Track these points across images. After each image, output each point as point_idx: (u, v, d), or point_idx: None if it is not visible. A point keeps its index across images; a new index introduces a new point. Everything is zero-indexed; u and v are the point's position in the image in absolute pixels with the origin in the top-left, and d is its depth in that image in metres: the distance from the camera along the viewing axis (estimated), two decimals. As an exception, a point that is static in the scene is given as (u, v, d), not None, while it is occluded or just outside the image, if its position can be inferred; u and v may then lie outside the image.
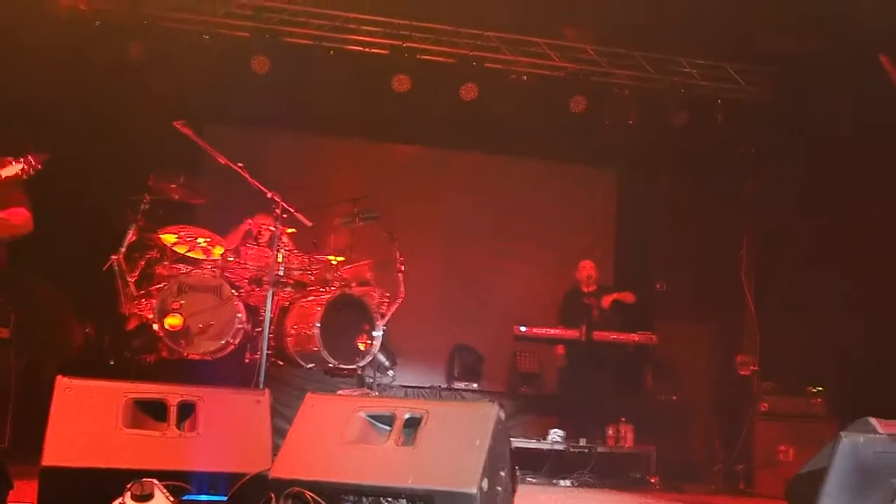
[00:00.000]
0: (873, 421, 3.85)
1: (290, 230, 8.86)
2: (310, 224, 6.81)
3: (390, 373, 9.89)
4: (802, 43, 9.77)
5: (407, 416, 4.15)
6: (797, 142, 9.94)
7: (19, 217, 5.95)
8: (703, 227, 11.02)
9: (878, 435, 3.78)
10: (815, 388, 9.34)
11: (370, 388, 8.51)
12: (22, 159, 5.74)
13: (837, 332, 9.23)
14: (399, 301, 9.23)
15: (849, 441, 3.66)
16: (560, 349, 10.10)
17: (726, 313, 10.69)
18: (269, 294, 7.33)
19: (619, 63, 10.58)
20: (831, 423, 8.93)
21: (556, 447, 9.31)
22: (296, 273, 9.04)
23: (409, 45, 10.27)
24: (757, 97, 10.68)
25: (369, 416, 4.22)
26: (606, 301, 10.00)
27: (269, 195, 6.47)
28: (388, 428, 4.15)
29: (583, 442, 9.39)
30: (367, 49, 10.32)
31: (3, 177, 5.67)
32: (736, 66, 10.63)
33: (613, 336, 9.68)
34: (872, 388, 8.75)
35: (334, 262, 9.29)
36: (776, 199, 10.32)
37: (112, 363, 9.12)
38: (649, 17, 9.76)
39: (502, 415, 4.14)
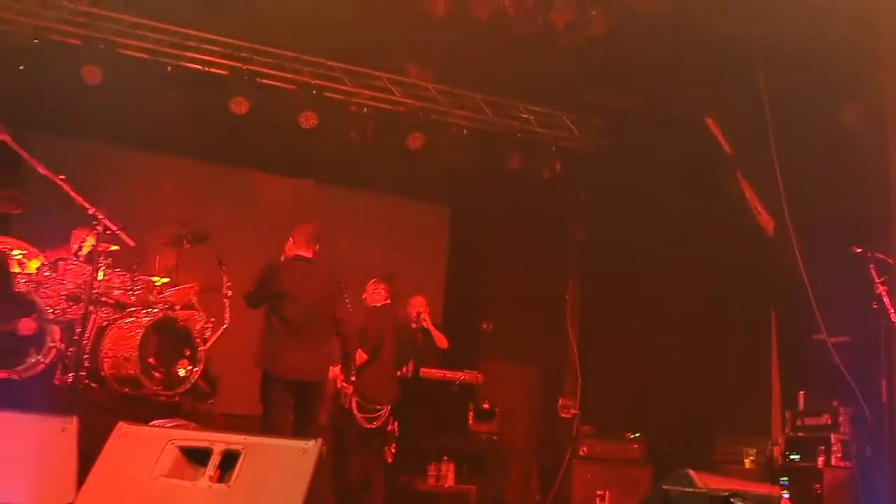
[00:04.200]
0: (692, 473, 3.92)
1: (112, 247, 8.54)
2: (132, 244, 6.56)
3: (210, 401, 9.60)
4: (624, 98, 10.09)
5: (224, 451, 4.00)
6: (624, 191, 10.23)
7: None
8: (532, 269, 11.20)
9: (697, 489, 3.85)
10: (632, 433, 9.56)
11: (187, 417, 8.20)
12: None
13: (655, 380, 9.54)
14: (224, 326, 9.01)
15: (670, 492, 3.73)
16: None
17: (550, 356, 10.89)
18: (85, 313, 7.02)
19: (459, 103, 10.70)
20: (647, 469, 9.17)
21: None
22: (116, 293, 8.71)
23: (249, 67, 10.11)
24: (588, 146, 10.95)
25: (184, 450, 4.06)
26: (438, 340, 9.88)
27: (90, 211, 6.20)
28: (203, 464, 3.99)
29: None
30: (205, 68, 10.10)
31: None
32: (569, 115, 10.90)
33: (439, 374, 9.69)
34: (687, 435, 9.06)
35: (158, 284, 9.00)
36: (602, 246, 10.60)
37: None
38: (489, 60, 9.88)
39: (323, 451, 4.04)
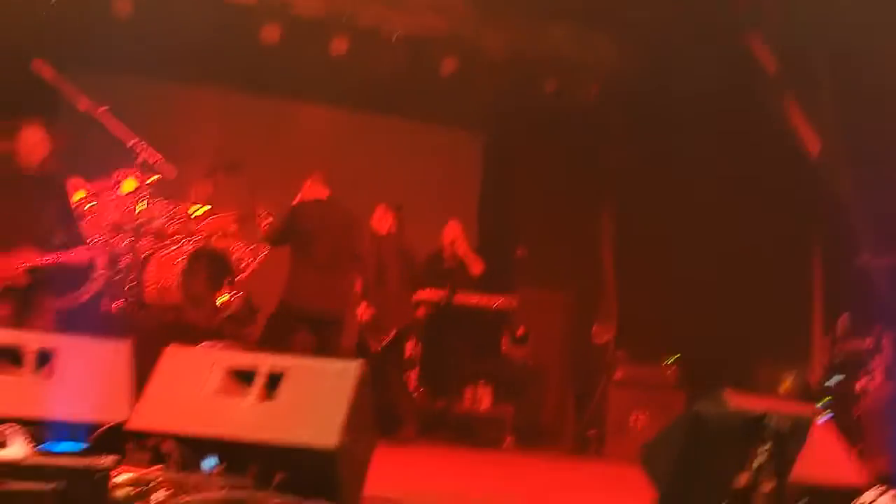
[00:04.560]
0: (725, 394, 3.96)
1: (152, 178, 8.67)
2: (172, 174, 6.68)
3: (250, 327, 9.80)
4: (665, 12, 9.96)
5: (269, 371, 4.15)
6: (662, 112, 10.17)
7: None
8: (567, 193, 11.18)
9: (729, 407, 3.91)
10: (668, 357, 9.62)
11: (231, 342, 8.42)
12: None
13: (692, 304, 9.54)
14: (262, 255, 9.16)
15: (702, 412, 3.81)
16: (421, 310, 10.17)
17: (585, 281, 10.91)
18: (129, 243, 7.18)
19: (493, 26, 10.60)
20: (683, 393, 9.24)
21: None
22: (157, 222, 8.87)
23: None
24: (626, 69, 10.84)
25: (231, 370, 4.21)
26: (472, 266, 10.00)
27: (131, 142, 6.31)
28: (249, 383, 4.14)
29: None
30: (235, -1, 10.10)
31: None
32: (607, 37, 10.76)
33: (474, 299, 9.82)
34: (724, 360, 9.08)
35: (197, 213, 9.15)
36: (640, 169, 10.54)
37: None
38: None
39: (364, 372, 4.18)
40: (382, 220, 9.46)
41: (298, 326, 8.38)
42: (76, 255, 6.40)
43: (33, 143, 6.36)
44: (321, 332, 8.31)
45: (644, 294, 10.14)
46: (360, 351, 9.03)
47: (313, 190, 8.54)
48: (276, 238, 8.46)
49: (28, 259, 6.19)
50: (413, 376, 9.91)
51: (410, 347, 9.79)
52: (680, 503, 3.73)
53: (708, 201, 9.67)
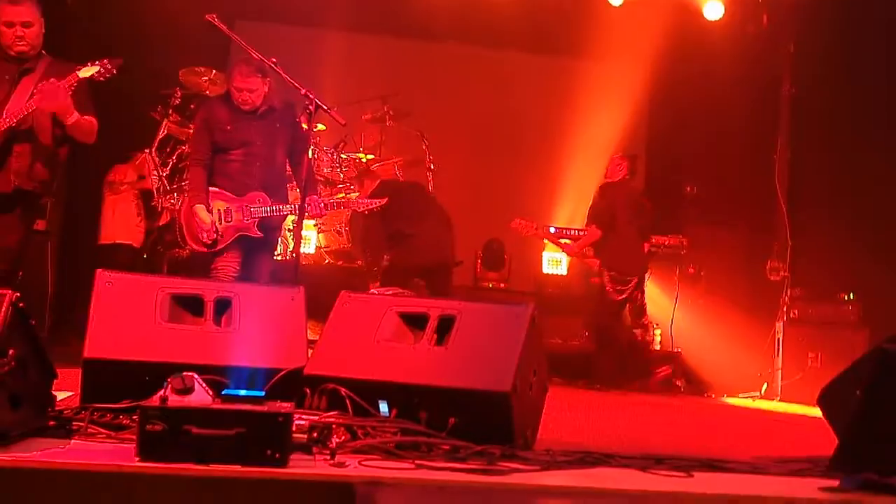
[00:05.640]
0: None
1: (319, 126, 8.83)
2: (343, 122, 6.78)
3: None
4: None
5: (440, 315, 4.17)
6: (835, 41, 9.73)
7: (93, 125, 5.96)
8: (737, 128, 10.86)
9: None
10: (846, 295, 9.29)
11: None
12: (98, 62, 5.76)
13: (871, 239, 9.16)
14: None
15: (889, 349, 3.63)
16: (590, 251, 10.08)
17: (758, 218, 10.61)
18: (302, 192, 7.33)
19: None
20: (863, 331, 8.91)
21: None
22: (326, 170, 9.06)
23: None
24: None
25: (403, 316, 4.25)
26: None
27: (302, 91, 6.43)
28: (420, 327, 4.18)
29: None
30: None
31: (80, 77, 5.68)
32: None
33: (643, 239, 9.66)
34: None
35: (364, 160, 9.29)
36: (813, 101, 10.15)
37: (145, 257, 9.25)
38: None
39: (535, 315, 4.16)
40: (618, 167, 9.52)
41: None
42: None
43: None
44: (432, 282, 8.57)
45: (820, 229, 9.79)
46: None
47: None
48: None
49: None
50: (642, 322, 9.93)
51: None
52: (864, 448, 3.55)
53: (886, 132, 9.22)
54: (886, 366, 3.55)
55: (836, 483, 3.51)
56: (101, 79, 5.76)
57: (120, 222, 9.54)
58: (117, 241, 9.49)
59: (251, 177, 6.62)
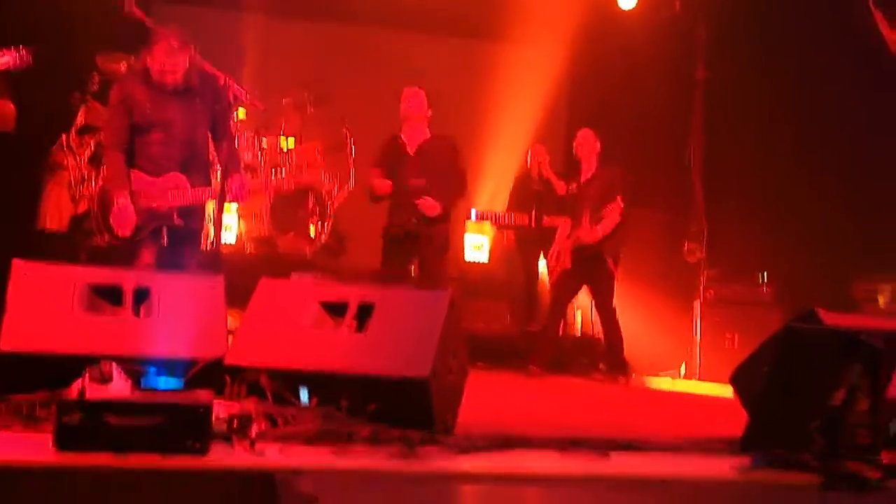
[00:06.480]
0: (820, 311, 3.87)
1: (240, 112, 8.78)
2: (262, 107, 6.70)
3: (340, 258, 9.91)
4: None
5: (360, 302, 4.20)
6: (748, 26, 9.88)
7: (8, 110, 5.80)
8: (655, 112, 10.99)
9: (823, 326, 3.83)
10: (761, 275, 9.47)
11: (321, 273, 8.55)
12: (13, 49, 5.62)
13: (786, 220, 9.34)
14: (349, 185, 9.24)
15: (794, 332, 3.73)
16: (510, 235, 10.17)
17: (675, 200, 10.75)
18: (220, 178, 7.28)
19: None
20: (777, 311, 9.07)
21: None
22: (246, 156, 9.00)
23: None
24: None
25: (323, 303, 4.27)
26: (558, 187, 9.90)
27: (221, 81, 6.35)
28: (340, 315, 4.20)
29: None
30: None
31: None
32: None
33: (561, 221, 9.72)
34: (818, 277, 8.90)
35: (284, 146, 9.25)
36: (727, 85, 10.31)
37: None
38: None
39: (454, 300, 4.21)
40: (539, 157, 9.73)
41: None
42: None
43: None
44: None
45: (735, 211, 9.97)
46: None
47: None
48: None
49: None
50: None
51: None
52: (772, 424, 3.66)
53: (799, 117, 9.42)
54: (791, 343, 3.66)
55: (748, 461, 3.60)
56: (13, 68, 5.62)
57: (52, 208, 9.33)
58: (48, 228, 9.28)
59: (171, 159, 6.22)
